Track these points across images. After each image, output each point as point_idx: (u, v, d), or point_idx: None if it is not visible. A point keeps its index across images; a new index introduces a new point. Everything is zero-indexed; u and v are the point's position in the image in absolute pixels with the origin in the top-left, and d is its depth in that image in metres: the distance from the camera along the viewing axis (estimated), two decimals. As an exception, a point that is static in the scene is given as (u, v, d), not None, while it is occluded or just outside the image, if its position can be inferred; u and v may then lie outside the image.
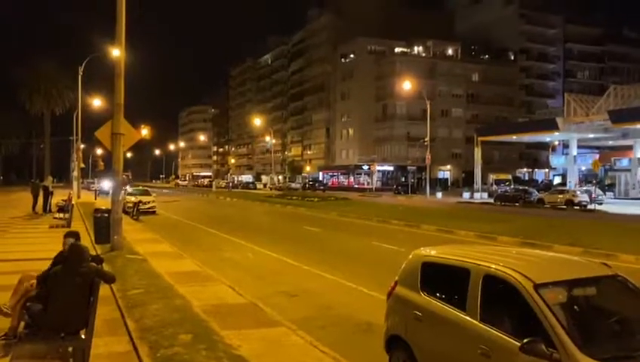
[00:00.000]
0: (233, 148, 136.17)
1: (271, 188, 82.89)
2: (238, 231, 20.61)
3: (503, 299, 4.49)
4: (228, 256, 14.80)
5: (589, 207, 35.47)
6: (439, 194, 54.96)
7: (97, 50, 38.55)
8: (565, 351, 3.78)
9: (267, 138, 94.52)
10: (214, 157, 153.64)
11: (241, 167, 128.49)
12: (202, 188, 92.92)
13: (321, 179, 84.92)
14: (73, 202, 24.32)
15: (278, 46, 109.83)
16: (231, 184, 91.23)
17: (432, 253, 5.65)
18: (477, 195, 50.49)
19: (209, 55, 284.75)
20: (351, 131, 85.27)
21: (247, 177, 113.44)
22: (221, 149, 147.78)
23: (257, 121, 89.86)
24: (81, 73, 39.28)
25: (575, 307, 4.42)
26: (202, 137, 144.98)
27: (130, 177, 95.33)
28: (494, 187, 53.66)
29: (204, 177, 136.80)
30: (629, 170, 49.74)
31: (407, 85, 57.03)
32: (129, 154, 76.58)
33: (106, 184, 38.37)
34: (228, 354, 5.99)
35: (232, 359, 5.81)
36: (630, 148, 48.89)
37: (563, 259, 5.78)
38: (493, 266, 4.65)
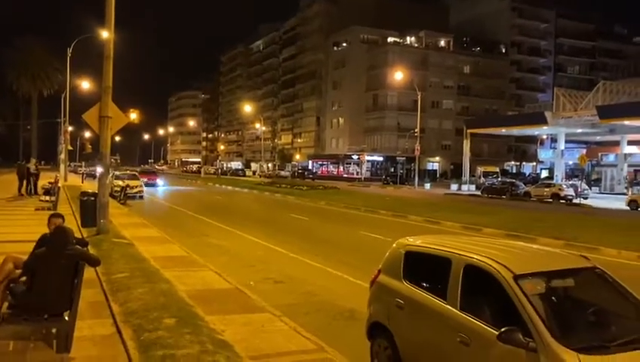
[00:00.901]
0: (223, 135, 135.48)
1: (260, 176, 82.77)
2: (225, 218, 20.62)
3: (483, 289, 4.55)
4: (215, 243, 14.82)
5: (575, 201, 35.86)
6: (427, 186, 55.26)
7: (87, 32, 38.12)
8: (542, 340, 3.86)
9: (257, 125, 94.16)
10: (203, 143, 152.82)
11: (230, 154, 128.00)
12: (191, 174, 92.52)
13: (310, 167, 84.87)
14: (60, 185, 24.13)
15: (270, 32, 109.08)
16: (220, 170, 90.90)
17: (415, 242, 5.72)
18: (465, 187, 50.82)
19: (200, 40, 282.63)
20: (341, 120, 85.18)
21: (236, 164, 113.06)
22: (210, 135, 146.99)
23: (248, 108, 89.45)
24: (70, 55, 38.84)
25: (553, 298, 4.50)
26: (192, 123, 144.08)
27: (119, 161, 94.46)
28: (482, 179, 54.02)
29: (193, 163, 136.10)
30: (615, 166, 50.31)
31: (398, 75, 57.04)
32: (117, 138, 76.03)
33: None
34: (212, 338, 6.03)
35: (216, 343, 5.85)
36: (617, 143, 49.39)
37: (543, 251, 5.87)
38: (475, 256, 4.72)
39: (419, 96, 54.49)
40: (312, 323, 7.22)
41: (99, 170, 36.31)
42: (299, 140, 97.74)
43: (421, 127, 56.88)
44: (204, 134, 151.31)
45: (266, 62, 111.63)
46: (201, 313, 7.10)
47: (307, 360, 5.73)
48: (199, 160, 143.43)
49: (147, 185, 35.69)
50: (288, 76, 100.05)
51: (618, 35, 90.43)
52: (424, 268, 5.31)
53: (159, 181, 43.65)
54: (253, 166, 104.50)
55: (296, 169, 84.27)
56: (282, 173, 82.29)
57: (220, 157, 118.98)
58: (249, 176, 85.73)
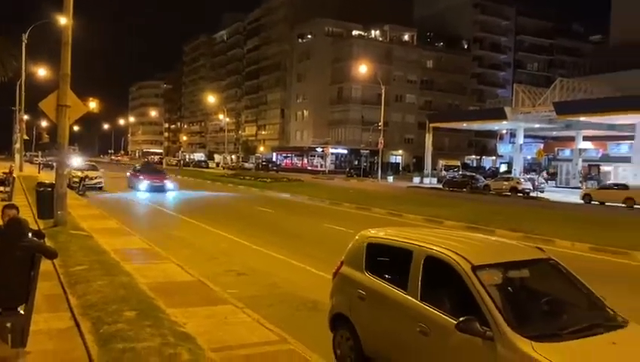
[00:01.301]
0: (185, 126, 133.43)
1: (223, 168, 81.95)
2: (188, 210, 20.37)
3: (442, 280, 4.66)
4: (177, 235, 14.63)
5: (532, 194, 36.93)
6: (390, 179, 55.88)
7: (45, 18, 36.80)
8: (498, 329, 3.98)
9: (221, 116, 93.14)
10: (166, 134, 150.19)
11: (193, 145, 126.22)
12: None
13: (274, 160, 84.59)
14: (15, 175, 23.35)
15: (235, 23, 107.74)
16: (182, 162, 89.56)
17: (377, 234, 5.80)
18: (427, 180, 51.64)
19: (163, 29, 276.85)
20: (306, 113, 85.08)
21: (199, 155, 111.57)
22: (173, 126, 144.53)
23: (211, 99, 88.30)
24: (26, 41, 37.42)
25: (509, 288, 4.64)
26: (153, 113, 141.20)
27: (77, 151, 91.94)
28: (444, 173, 55.00)
29: (155, 154, 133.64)
30: (570, 161, 52.05)
31: (363, 69, 57.32)
32: (76, 128, 73.85)
33: (75, 160, 34.74)
34: (173, 331, 5.98)
35: (177, 336, 5.80)
36: (573, 139, 51.07)
37: (501, 243, 6.04)
38: (435, 248, 4.82)
39: (383, 90, 54.92)
40: (275, 315, 7.24)
41: (75, 162, 34.19)
42: (263, 132, 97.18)
43: (385, 121, 57.40)
44: (167, 125, 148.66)
45: (230, 52, 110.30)
46: (163, 305, 7.01)
47: (270, 352, 5.74)
48: (161, 151, 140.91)
49: (153, 189, 28.16)
50: (253, 67, 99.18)
51: (575, 34, 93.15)
52: (386, 259, 5.40)
53: (169, 183, 29.80)
54: (217, 158, 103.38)
55: (260, 161, 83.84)
56: (246, 165, 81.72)
57: (182, 149, 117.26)
58: (212, 168, 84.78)
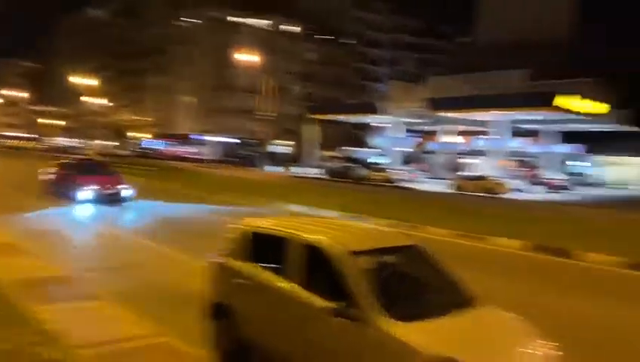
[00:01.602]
0: (54, 109, 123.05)
1: (97, 154, 76.91)
2: (56, 199, 18.89)
3: (319, 267, 4.79)
4: (43, 228, 13.54)
5: (406, 185, 39.32)
6: (273, 168, 56.22)
7: None
8: (370, 312, 4.22)
9: (95, 100, 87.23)
10: (32, 117, 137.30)
11: (62, 130, 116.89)
12: (14, 151, 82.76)
13: (154, 147, 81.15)
14: None
15: (111, 0, 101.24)
16: (50, 148, 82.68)
17: (257, 223, 5.84)
18: (309, 171, 52.70)
19: (29, 4, 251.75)
20: (188, 100, 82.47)
21: (68, 140, 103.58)
22: (39, 108, 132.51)
23: (83, 81, 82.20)
24: None
25: (381, 273, 4.88)
26: (16, 94, 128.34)
27: None
28: (326, 163, 56.53)
29: (17, 138, 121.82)
30: (440, 153, 56.20)
31: (246, 57, 56.82)
32: None
33: None
34: (36, 329, 5.57)
35: (42, 334, 5.42)
36: (442, 133, 55.09)
37: (374, 230, 6.38)
38: (312, 236, 4.98)
39: (265, 80, 54.91)
40: (148, 308, 6.97)
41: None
42: (141, 118, 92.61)
43: (268, 111, 57.51)
44: (32, 107, 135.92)
45: (106, 32, 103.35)
46: (27, 303, 6.50)
47: (143, 346, 5.56)
48: (27, 135, 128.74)
49: (99, 199, 18.32)
50: (131, 49, 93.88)
51: (445, 34, 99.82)
52: (265, 248, 5.44)
53: (125, 190, 19.30)
54: (90, 143, 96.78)
55: (137, 148, 79.95)
56: (121, 151, 77.43)
57: (50, 133, 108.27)
58: (85, 155, 79.14)
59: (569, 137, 53.54)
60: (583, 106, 41.62)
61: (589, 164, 57.67)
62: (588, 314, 8.10)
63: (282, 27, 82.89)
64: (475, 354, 3.94)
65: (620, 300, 8.98)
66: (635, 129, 49.35)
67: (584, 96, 41.43)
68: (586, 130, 51.90)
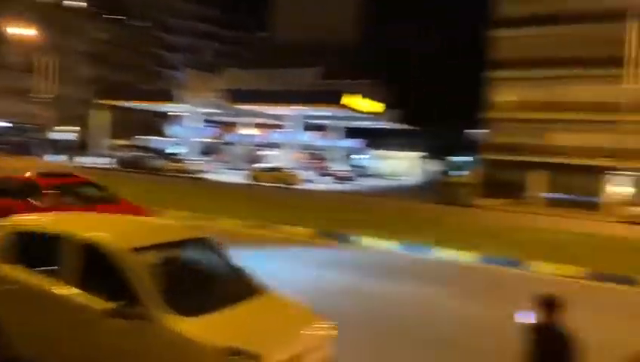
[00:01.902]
0: None
1: None
2: None
3: (99, 266, 4.59)
4: None
5: (202, 175, 39.12)
6: (55, 157, 50.81)
7: None
8: (152, 309, 4.18)
9: None
10: None
11: None
12: None
13: None
14: None
15: None
16: None
17: (25, 222, 5.34)
18: (97, 160, 48.88)
19: None
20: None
21: None
22: None
23: None
24: None
25: (164, 268, 4.84)
26: None
27: None
28: (116, 152, 53.06)
29: None
30: (238, 145, 57.05)
31: (25, 32, 50.25)
32: None
33: None
34: None
35: None
36: (241, 125, 55.99)
37: (158, 224, 6.28)
38: (89, 234, 4.75)
39: (45, 59, 49.21)
40: None
41: None
42: None
43: (52, 93, 51.73)
44: None
45: None
46: None
47: None
48: None
49: None
50: None
51: (245, 27, 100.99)
52: (37, 249, 5.03)
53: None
54: None
55: None
56: None
57: None
58: None
59: (352, 133, 59.16)
60: (363, 105, 46.13)
61: (368, 158, 64.10)
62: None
63: (66, 2, 74.95)
64: (258, 341, 4.16)
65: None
66: (405, 127, 56.47)
67: (364, 95, 45.94)
68: (366, 126, 57.90)
